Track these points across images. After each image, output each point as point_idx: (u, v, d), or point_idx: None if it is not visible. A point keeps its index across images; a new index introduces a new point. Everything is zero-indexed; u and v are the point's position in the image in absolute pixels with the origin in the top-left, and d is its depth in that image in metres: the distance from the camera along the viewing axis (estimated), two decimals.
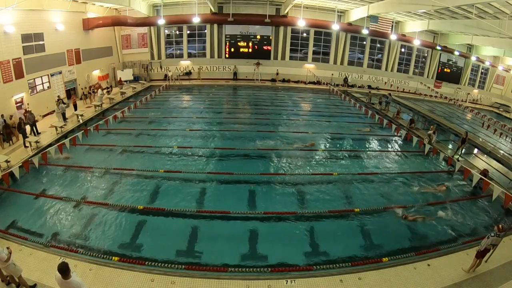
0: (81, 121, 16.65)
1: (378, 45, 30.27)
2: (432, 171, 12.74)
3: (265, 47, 28.96)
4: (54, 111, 16.64)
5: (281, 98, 24.87)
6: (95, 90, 21.26)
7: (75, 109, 17.83)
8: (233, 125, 17.25)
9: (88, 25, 21.97)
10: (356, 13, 25.04)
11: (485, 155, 15.38)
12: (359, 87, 29.77)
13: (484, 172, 11.44)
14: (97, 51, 23.76)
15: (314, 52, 29.78)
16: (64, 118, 16.25)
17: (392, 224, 8.87)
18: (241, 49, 28.92)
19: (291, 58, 29.77)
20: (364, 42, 29.88)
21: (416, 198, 10.31)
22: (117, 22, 24.76)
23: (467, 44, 29.85)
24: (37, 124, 14.84)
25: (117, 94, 22.77)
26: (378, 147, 15.62)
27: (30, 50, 16.39)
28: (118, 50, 27.36)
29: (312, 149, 14.19)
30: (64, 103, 16.97)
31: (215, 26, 27.90)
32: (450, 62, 32.23)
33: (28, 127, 14.04)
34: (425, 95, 30.67)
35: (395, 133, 16.50)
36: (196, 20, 24.48)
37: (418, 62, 31.67)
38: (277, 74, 29.13)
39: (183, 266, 6.75)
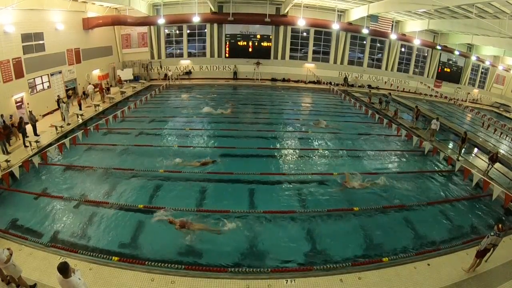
0: (81, 120, 16.63)
1: (378, 44, 30.24)
2: (432, 171, 12.74)
3: (265, 47, 28.91)
4: (54, 111, 16.58)
5: (281, 97, 24.85)
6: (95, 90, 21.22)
7: (80, 108, 17.84)
8: (232, 125, 17.23)
9: (88, 24, 21.95)
10: (356, 13, 25.02)
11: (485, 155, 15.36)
12: (359, 86, 29.76)
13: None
14: (97, 50, 23.74)
15: (314, 52, 29.76)
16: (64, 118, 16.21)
17: (392, 223, 8.87)
18: (241, 49, 28.87)
19: (291, 57, 29.75)
20: (364, 42, 29.85)
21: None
22: (117, 21, 24.76)
23: (467, 43, 29.82)
24: (37, 124, 14.76)
25: (117, 93, 22.75)
26: (378, 146, 15.59)
27: (30, 49, 16.37)
28: (118, 50, 27.34)
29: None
30: (64, 103, 16.93)
31: (215, 25, 27.88)
32: (450, 62, 32.21)
33: (29, 127, 14.00)
34: (425, 94, 30.65)
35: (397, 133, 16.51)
36: (196, 19, 24.43)
37: (418, 61, 31.65)
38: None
39: (183, 266, 6.74)
